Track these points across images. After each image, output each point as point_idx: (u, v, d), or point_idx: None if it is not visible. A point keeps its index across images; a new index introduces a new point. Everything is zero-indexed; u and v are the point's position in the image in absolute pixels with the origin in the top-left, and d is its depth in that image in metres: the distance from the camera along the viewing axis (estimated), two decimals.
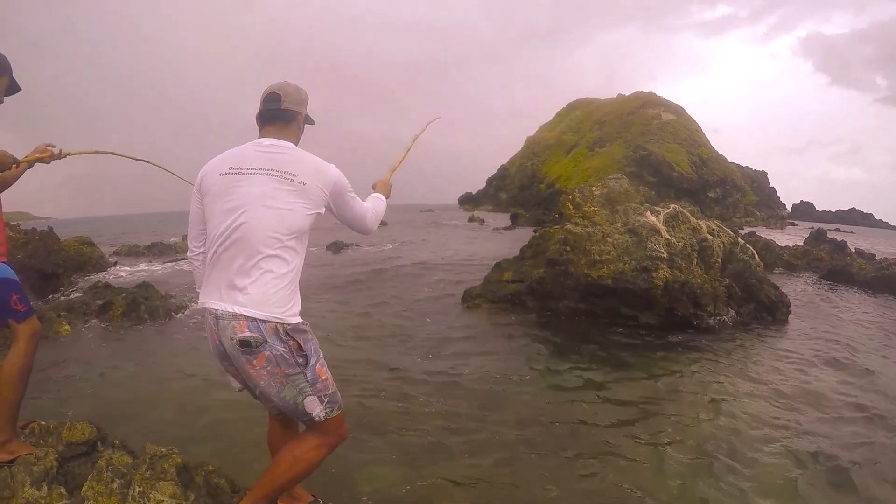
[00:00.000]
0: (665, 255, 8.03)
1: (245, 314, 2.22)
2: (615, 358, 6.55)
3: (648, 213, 8.89)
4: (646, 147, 55.36)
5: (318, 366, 2.34)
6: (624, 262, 8.04)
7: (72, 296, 10.05)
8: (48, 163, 3.56)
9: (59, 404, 4.88)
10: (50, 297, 10.76)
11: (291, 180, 2.32)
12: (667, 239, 8.33)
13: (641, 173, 48.73)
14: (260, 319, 2.22)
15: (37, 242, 11.97)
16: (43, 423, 3.62)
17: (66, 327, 7.64)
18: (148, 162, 4.01)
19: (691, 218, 8.97)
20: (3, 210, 3.52)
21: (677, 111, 68.05)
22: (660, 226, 8.58)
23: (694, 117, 69.17)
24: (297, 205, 2.32)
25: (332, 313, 8.85)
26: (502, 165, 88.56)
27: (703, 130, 66.79)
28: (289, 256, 2.32)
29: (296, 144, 2.52)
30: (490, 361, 6.34)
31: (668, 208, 9.17)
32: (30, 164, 3.55)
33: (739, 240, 9.50)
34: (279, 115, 2.50)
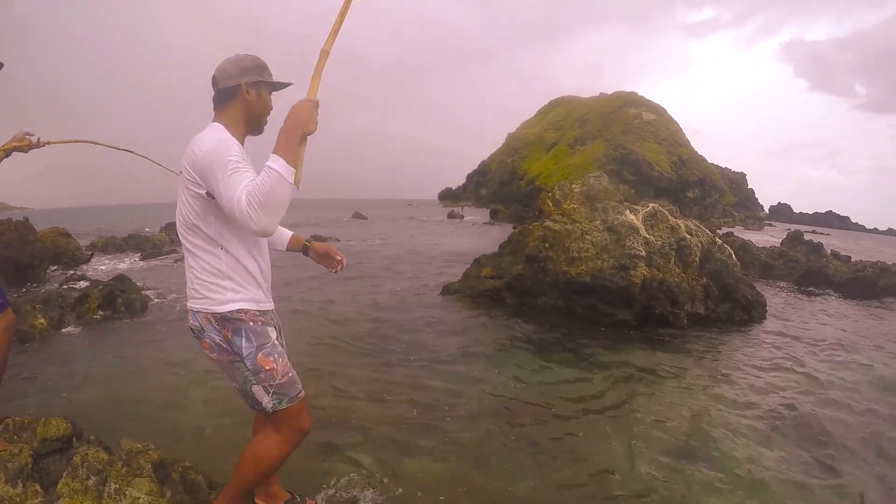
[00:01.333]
0: (643, 253, 8.10)
1: (188, 305, 2.35)
2: (591, 354, 6.60)
3: (627, 212, 8.96)
4: (626, 146, 55.74)
5: (259, 355, 2.29)
6: (602, 259, 8.09)
7: (47, 288, 9.91)
8: (26, 152, 3.51)
9: (34, 400, 4.81)
10: (25, 288, 10.61)
11: (181, 169, 2.24)
12: (645, 237, 8.40)
13: (621, 172, 49.06)
14: (194, 310, 2.33)
15: (12, 233, 11.78)
16: (17, 418, 3.59)
17: (42, 320, 7.52)
18: (131, 151, 3.96)
19: (670, 217, 9.04)
20: None
21: (658, 111, 68.64)
22: (638, 224, 8.64)
23: (675, 118, 69.84)
24: (184, 193, 2.24)
25: (308, 305, 8.82)
26: (483, 161, 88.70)
27: (684, 131, 67.44)
28: (208, 246, 2.26)
29: (244, 119, 2.37)
30: (466, 356, 6.36)
31: (647, 207, 9.24)
32: (7, 153, 3.50)
33: (717, 239, 9.60)
34: (217, 98, 2.35)
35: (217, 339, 2.31)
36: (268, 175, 1.96)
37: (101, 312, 8.12)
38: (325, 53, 2.12)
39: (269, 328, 2.36)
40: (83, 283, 9.59)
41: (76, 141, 3.78)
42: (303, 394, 2.40)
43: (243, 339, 2.29)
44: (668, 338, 7.47)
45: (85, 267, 14.29)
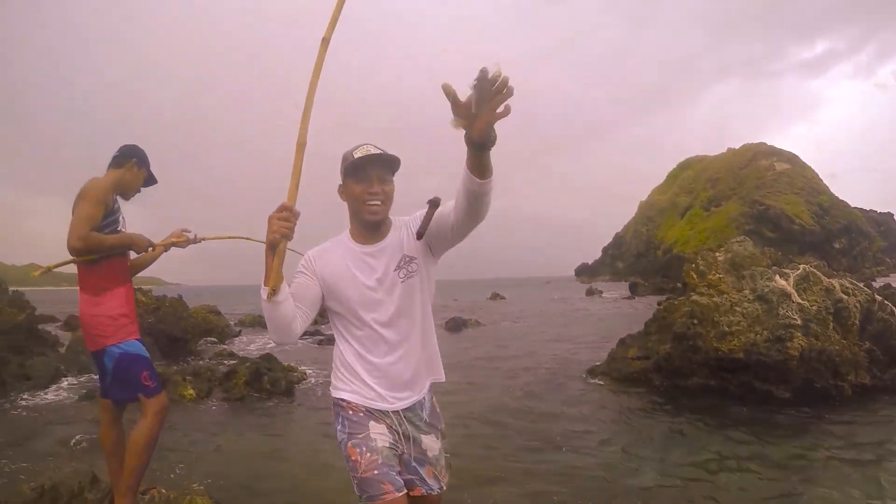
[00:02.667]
0: (799, 321, 7.57)
1: None
2: (749, 438, 6.14)
3: (777, 277, 8.46)
4: (762, 201, 53.41)
5: (349, 443, 2.28)
6: (755, 332, 7.64)
7: (197, 362, 10.51)
8: (184, 247, 3.89)
9: (179, 471, 5.16)
10: (177, 361, 11.37)
11: None
12: (799, 303, 7.88)
13: (760, 230, 46.88)
14: None
15: (167, 308, 12.87)
16: (164, 491, 3.86)
17: (191, 392, 8.10)
18: (293, 251, 4.19)
19: (823, 278, 8.45)
20: (140, 275, 3.80)
21: (791, 159, 65.67)
22: (790, 289, 8.13)
23: (809, 163, 66.43)
24: None
25: (453, 385, 8.82)
26: (617, 233, 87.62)
27: (820, 176, 63.83)
28: (336, 335, 2.44)
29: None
30: (614, 442, 6.15)
31: (798, 269, 8.69)
32: (166, 248, 3.88)
33: (876, 297, 8.82)
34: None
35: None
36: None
37: (247, 389, 8.52)
38: (325, 42, 2.07)
39: (373, 422, 2.31)
40: (232, 360, 10.08)
41: (230, 237, 4.10)
42: (391, 496, 2.20)
43: (338, 425, 2.35)
44: (832, 414, 6.84)
45: (233, 343, 15.16)
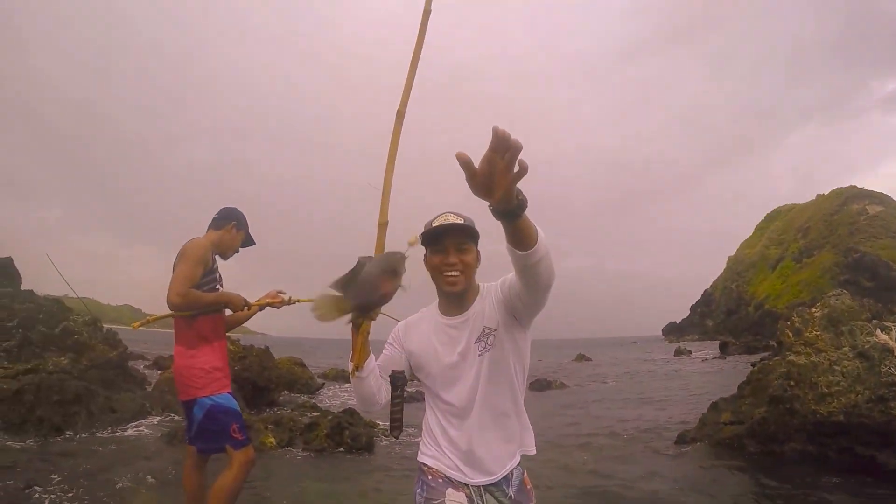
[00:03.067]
0: None
1: None
2: None
3: (879, 331, 7.94)
4: (857, 248, 51.03)
5: None
6: (856, 392, 7.13)
7: (280, 412, 10.59)
8: (278, 308, 4.00)
9: None
10: (260, 411, 11.52)
11: None
12: None
13: (857, 279, 44.64)
14: None
15: (253, 358, 13.15)
16: None
17: (272, 440, 8.22)
18: (387, 315, 4.25)
19: None
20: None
21: (883, 200, 62.78)
22: (893, 344, 7.61)
23: None
24: None
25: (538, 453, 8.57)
26: (705, 290, 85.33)
27: None
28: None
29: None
30: None
31: None
32: (261, 308, 4.01)
33: None
34: None
35: None
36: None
37: (327, 441, 8.56)
38: (400, 116, 2.11)
39: (451, 490, 2.28)
40: (314, 412, 10.14)
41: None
42: None
43: (418, 488, 2.36)
44: None
45: (315, 396, 15.29)
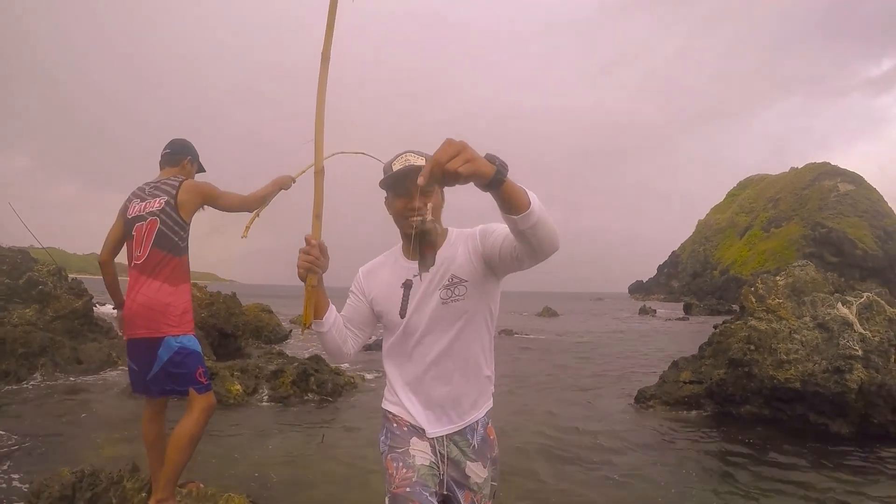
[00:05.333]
0: (860, 352, 7.30)
1: None
2: (801, 476, 5.84)
3: (840, 305, 8.18)
4: (825, 223, 51.93)
5: (388, 456, 2.25)
6: (813, 361, 7.38)
7: (246, 359, 10.64)
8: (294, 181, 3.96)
9: (218, 466, 5.27)
10: (226, 358, 11.58)
11: None
12: (861, 333, 7.59)
13: (822, 253, 45.61)
14: None
15: (220, 304, 13.08)
16: (202, 486, 3.90)
17: (238, 387, 8.26)
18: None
19: (887, 307, 8.13)
20: (196, 270, 3.88)
21: (855, 180, 63.63)
22: (853, 318, 7.86)
23: (874, 185, 64.21)
24: None
25: (498, 407, 8.74)
26: (673, 251, 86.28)
27: (886, 199, 61.64)
28: None
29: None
30: (659, 469, 6.00)
31: (861, 297, 8.38)
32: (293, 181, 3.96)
33: None
34: None
35: None
36: None
37: (293, 388, 8.64)
38: (325, 59, 1.98)
39: (416, 439, 2.26)
40: (280, 359, 10.25)
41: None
42: None
43: (382, 436, 2.33)
44: (890, 455, 6.45)
45: (282, 343, 15.29)
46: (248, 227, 3.62)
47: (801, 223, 56.47)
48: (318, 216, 2.07)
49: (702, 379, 8.83)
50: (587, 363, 14.78)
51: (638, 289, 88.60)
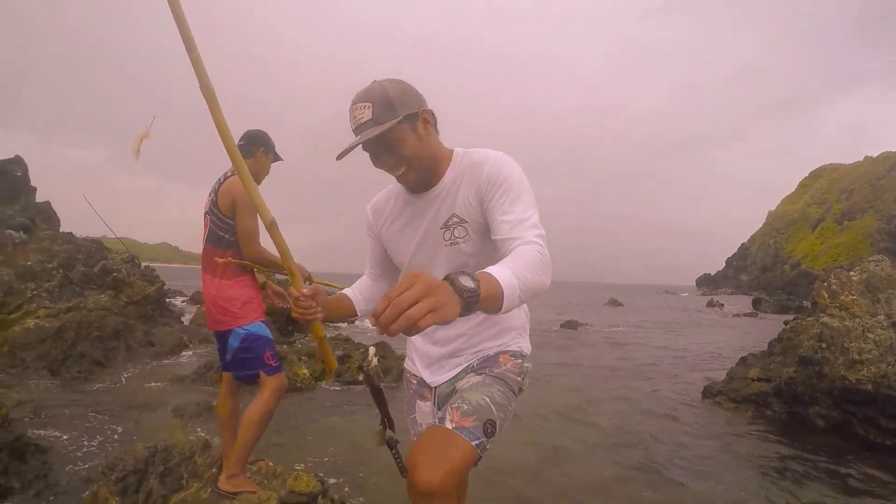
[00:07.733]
0: None
1: None
2: (868, 484, 5.62)
3: None
4: None
5: (406, 422, 2.41)
6: (887, 363, 7.16)
7: (314, 344, 10.91)
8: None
9: (286, 447, 5.47)
10: (294, 340, 11.89)
11: None
12: None
13: None
14: None
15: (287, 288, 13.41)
16: (271, 464, 4.08)
17: (305, 371, 8.50)
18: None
19: None
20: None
21: None
22: None
23: None
24: None
25: (565, 396, 8.73)
26: (743, 244, 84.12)
27: None
28: None
29: None
30: (722, 468, 5.92)
31: None
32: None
33: None
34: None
35: None
36: None
37: (359, 374, 8.83)
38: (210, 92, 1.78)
39: (419, 402, 2.35)
40: (346, 344, 10.42)
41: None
42: None
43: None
44: None
45: (348, 329, 15.61)
46: (137, 151, 3.63)
47: (875, 216, 54.28)
48: (289, 269, 2.03)
49: (770, 377, 8.69)
50: (650, 356, 14.65)
51: (705, 282, 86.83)
